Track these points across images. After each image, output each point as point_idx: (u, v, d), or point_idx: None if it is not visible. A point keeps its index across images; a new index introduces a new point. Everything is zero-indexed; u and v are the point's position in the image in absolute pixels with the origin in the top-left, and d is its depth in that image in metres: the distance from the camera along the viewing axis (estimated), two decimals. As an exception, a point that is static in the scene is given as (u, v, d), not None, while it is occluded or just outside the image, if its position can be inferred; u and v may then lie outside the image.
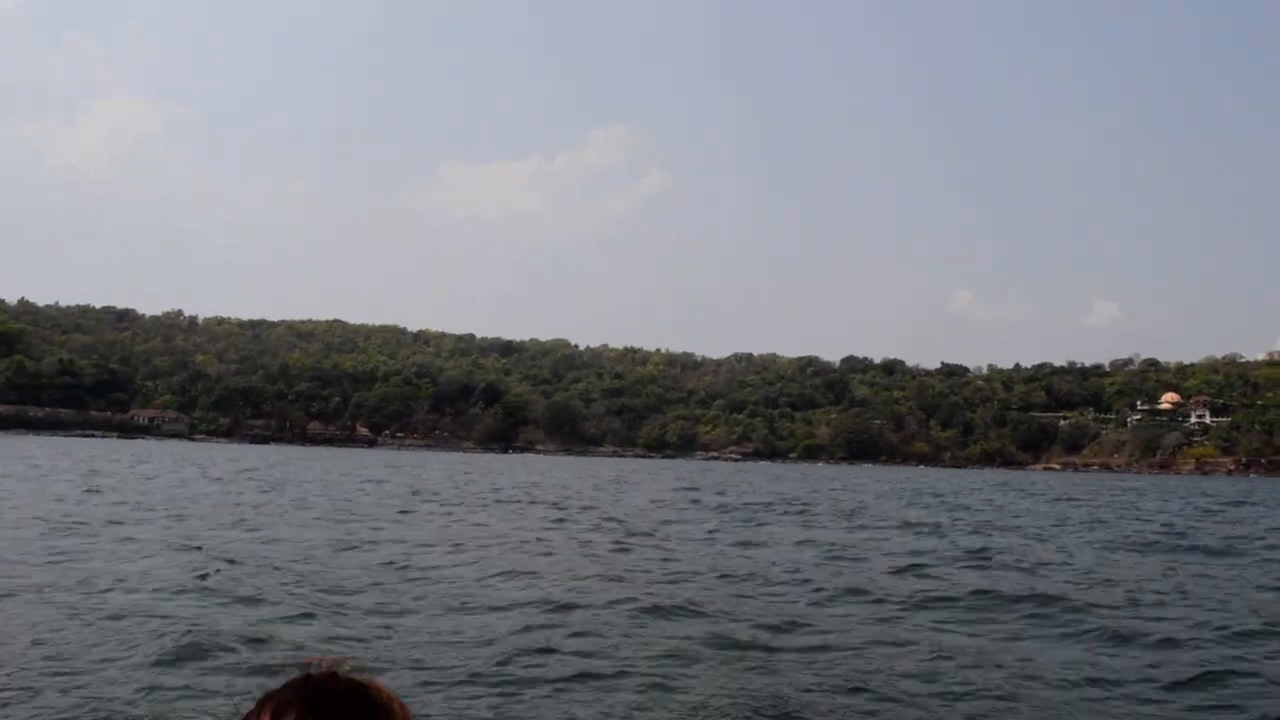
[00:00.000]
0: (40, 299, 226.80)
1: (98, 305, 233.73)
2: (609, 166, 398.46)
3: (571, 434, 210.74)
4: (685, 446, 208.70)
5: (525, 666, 11.01)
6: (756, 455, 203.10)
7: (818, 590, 17.49)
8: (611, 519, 33.39)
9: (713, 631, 13.21)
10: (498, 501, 41.66)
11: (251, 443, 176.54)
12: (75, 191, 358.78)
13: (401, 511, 33.64)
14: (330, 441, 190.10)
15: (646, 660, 11.52)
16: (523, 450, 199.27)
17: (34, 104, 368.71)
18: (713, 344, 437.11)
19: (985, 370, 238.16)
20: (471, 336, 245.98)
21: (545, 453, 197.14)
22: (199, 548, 20.37)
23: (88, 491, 37.00)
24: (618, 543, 25.23)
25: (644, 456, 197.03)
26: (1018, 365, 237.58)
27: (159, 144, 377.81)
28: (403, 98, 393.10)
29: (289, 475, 58.97)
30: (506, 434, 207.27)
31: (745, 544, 26.09)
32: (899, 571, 20.67)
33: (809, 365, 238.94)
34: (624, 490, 57.13)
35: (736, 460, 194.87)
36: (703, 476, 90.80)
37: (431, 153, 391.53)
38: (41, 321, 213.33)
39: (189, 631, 11.86)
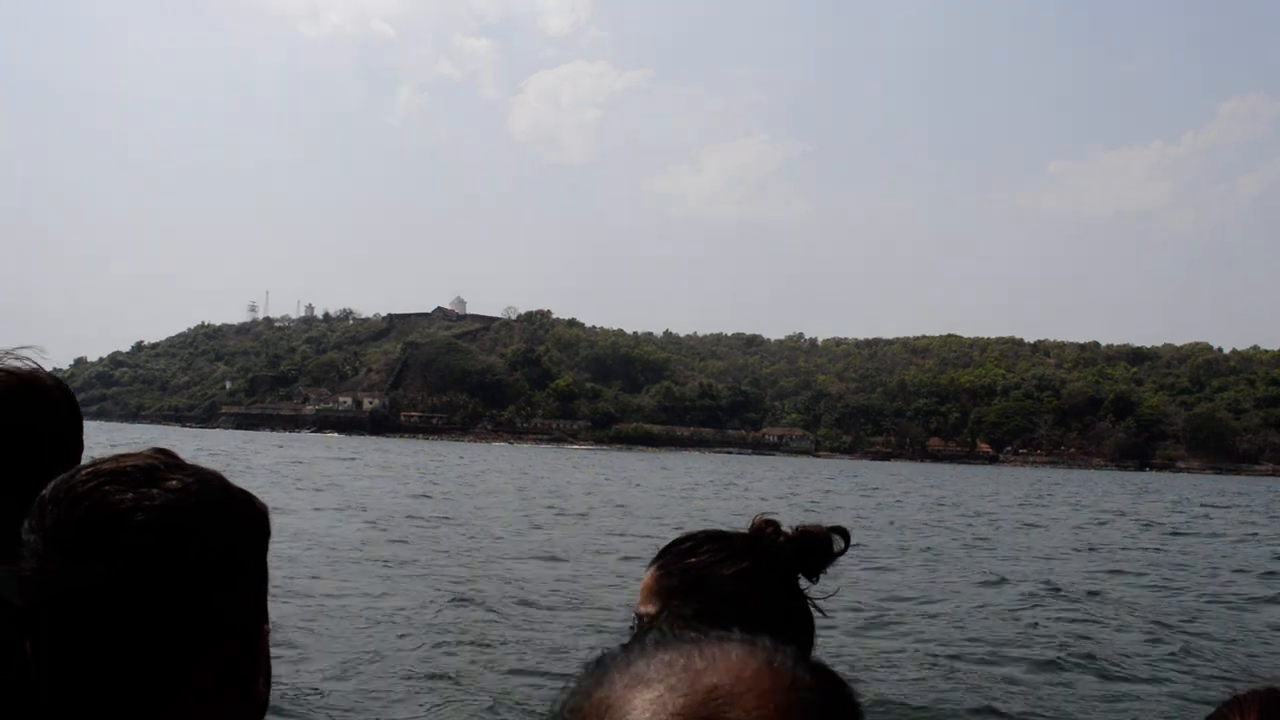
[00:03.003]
0: (680, 330, 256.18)
1: (729, 333, 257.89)
2: (1246, 142, 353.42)
3: (1219, 450, 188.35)
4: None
5: None
6: None
7: None
8: None
9: None
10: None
11: (872, 459, 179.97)
12: (704, 230, 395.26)
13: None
14: (950, 458, 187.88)
15: None
16: (1161, 468, 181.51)
17: (666, 158, 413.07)
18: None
19: None
20: (1096, 345, 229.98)
21: (1188, 470, 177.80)
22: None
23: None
24: None
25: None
26: None
27: (773, 179, 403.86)
28: (995, 101, 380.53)
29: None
30: (1141, 450, 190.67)
31: None
32: None
33: None
34: None
35: None
36: None
37: (1036, 152, 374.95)
38: (683, 350, 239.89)
39: None
